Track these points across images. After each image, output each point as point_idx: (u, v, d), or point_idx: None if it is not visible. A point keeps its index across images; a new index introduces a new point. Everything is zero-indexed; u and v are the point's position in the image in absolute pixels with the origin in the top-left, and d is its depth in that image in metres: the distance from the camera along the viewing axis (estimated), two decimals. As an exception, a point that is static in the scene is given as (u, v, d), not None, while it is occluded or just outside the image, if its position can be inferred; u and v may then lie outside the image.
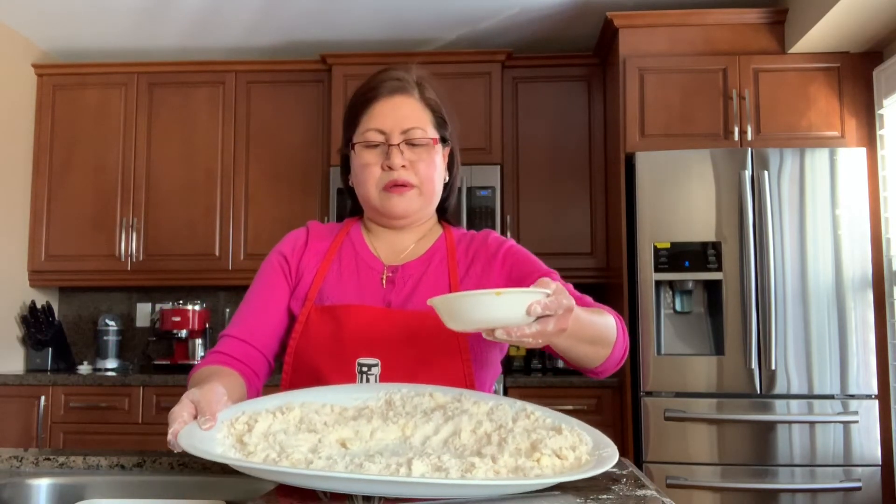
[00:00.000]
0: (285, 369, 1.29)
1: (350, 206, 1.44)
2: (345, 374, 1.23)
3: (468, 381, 1.26)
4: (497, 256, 1.32)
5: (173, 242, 3.79)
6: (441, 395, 1.01)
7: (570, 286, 1.26)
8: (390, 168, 1.27)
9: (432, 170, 1.30)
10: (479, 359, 1.28)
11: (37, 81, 3.92)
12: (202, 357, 1.24)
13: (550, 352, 1.13)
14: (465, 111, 3.67)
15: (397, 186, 1.27)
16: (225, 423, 0.91)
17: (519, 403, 1.01)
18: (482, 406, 0.99)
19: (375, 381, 1.21)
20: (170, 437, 0.90)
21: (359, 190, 1.32)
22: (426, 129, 1.30)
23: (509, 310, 0.90)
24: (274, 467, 0.83)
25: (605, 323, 1.15)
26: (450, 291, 1.28)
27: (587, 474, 0.84)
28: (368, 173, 1.29)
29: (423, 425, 0.92)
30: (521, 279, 1.29)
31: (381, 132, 1.28)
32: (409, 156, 1.28)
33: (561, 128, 3.73)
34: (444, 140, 1.34)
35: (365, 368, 1.22)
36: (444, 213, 1.41)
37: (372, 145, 1.28)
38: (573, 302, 0.96)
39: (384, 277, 1.31)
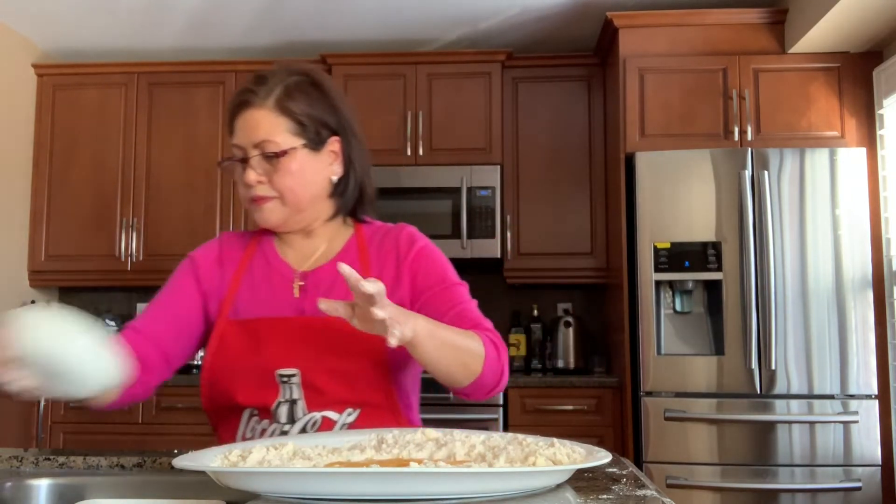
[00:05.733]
0: (203, 384, 1.29)
1: None
2: (265, 386, 1.24)
3: (388, 384, 1.26)
4: (406, 260, 1.32)
5: (173, 242, 3.79)
6: (433, 431, 1.02)
7: (475, 303, 1.31)
8: (246, 184, 1.27)
9: (290, 179, 1.26)
10: (397, 364, 1.28)
11: (37, 81, 3.92)
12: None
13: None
14: (465, 111, 3.68)
15: (257, 200, 1.28)
16: (218, 455, 0.92)
17: (510, 434, 1.02)
18: (474, 438, 0.99)
19: (298, 390, 1.24)
20: None
21: None
22: (279, 139, 1.25)
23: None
24: (271, 469, 0.84)
25: (468, 344, 1.18)
26: None
27: (587, 465, 0.85)
28: (238, 188, 1.31)
29: (417, 453, 0.93)
30: (423, 290, 1.30)
31: (240, 148, 1.28)
32: (266, 168, 1.26)
33: (561, 128, 3.73)
34: (319, 143, 1.29)
35: (285, 378, 1.24)
36: (354, 209, 1.39)
37: (236, 160, 1.29)
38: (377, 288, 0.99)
39: (296, 286, 1.31)
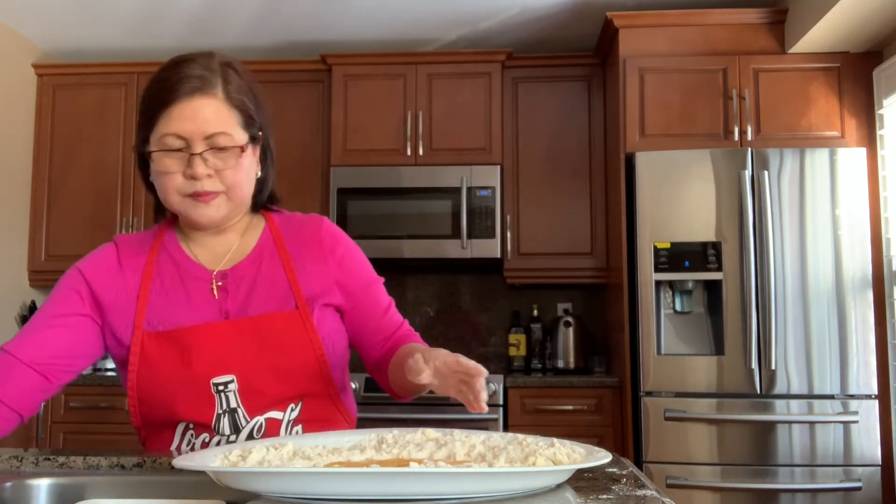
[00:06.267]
0: (131, 403, 1.23)
1: (154, 204, 1.32)
2: (200, 397, 1.19)
3: (328, 373, 1.25)
4: (334, 256, 1.30)
5: (173, 242, 3.78)
6: (433, 431, 1.02)
7: (393, 303, 1.37)
8: (193, 177, 1.17)
9: (240, 175, 1.20)
10: (333, 354, 1.26)
11: (37, 81, 3.92)
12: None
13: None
14: (465, 111, 3.68)
15: (201, 196, 1.18)
16: (219, 455, 0.92)
17: (510, 434, 1.02)
18: (474, 438, 0.99)
19: (235, 398, 1.20)
20: None
21: (160, 195, 1.22)
22: (232, 132, 1.18)
23: None
24: (271, 469, 0.84)
25: None
26: (289, 288, 1.26)
27: (587, 465, 0.85)
28: (169, 181, 1.18)
29: (417, 453, 0.93)
30: (356, 290, 1.32)
31: (181, 138, 1.16)
32: (215, 163, 1.17)
33: (561, 128, 3.73)
34: (253, 139, 1.23)
35: (221, 387, 1.19)
36: (260, 205, 1.34)
37: (172, 150, 1.17)
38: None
39: (214, 286, 1.25)
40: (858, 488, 2.90)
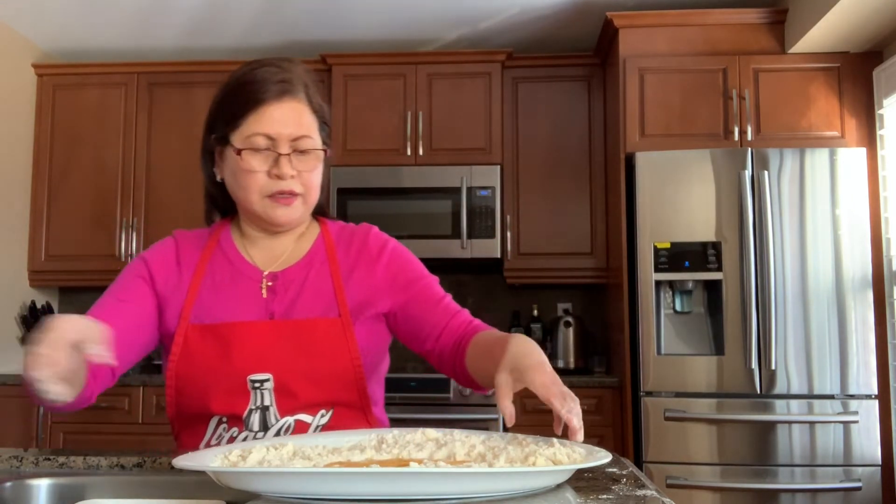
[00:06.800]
0: (168, 393, 1.26)
1: (209, 195, 1.38)
2: (236, 392, 1.21)
3: (361, 383, 1.25)
4: (380, 260, 1.31)
5: (173, 242, 3.78)
6: (433, 431, 1.02)
7: (450, 297, 1.32)
8: (278, 177, 1.21)
9: (317, 178, 1.26)
10: (370, 366, 1.27)
11: (37, 81, 3.92)
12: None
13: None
14: (465, 111, 3.68)
15: (284, 196, 1.22)
16: (218, 455, 0.92)
17: (510, 434, 1.02)
18: (474, 438, 0.99)
19: (269, 396, 1.21)
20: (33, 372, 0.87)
21: (238, 194, 1.26)
22: (314, 136, 1.24)
23: None
24: (271, 469, 0.84)
25: None
26: (335, 297, 1.27)
27: (587, 465, 0.85)
28: (252, 180, 1.22)
29: (417, 453, 0.93)
30: (406, 286, 1.31)
31: (270, 138, 1.21)
32: (297, 165, 1.22)
33: (561, 128, 3.73)
34: (329, 144, 1.29)
35: (257, 384, 1.21)
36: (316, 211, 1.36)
37: (259, 149, 1.21)
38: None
39: (264, 286, 1.27)
40: (858, 488, 2.91)
